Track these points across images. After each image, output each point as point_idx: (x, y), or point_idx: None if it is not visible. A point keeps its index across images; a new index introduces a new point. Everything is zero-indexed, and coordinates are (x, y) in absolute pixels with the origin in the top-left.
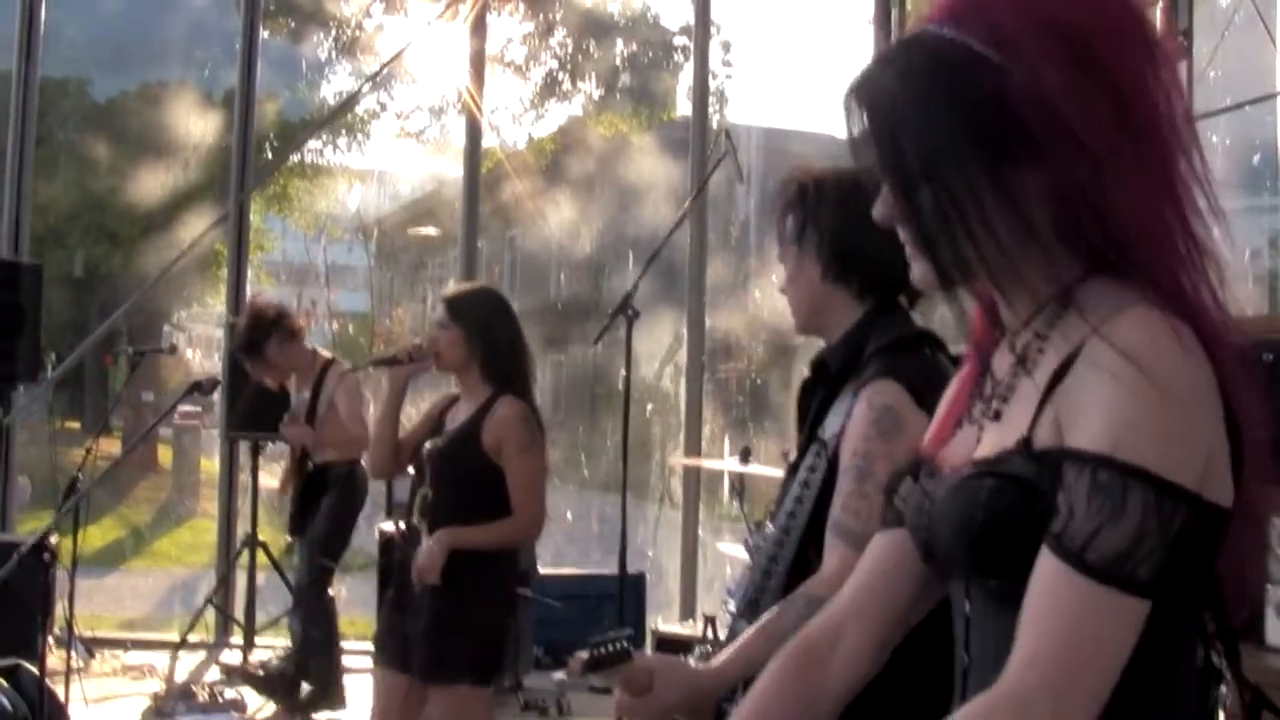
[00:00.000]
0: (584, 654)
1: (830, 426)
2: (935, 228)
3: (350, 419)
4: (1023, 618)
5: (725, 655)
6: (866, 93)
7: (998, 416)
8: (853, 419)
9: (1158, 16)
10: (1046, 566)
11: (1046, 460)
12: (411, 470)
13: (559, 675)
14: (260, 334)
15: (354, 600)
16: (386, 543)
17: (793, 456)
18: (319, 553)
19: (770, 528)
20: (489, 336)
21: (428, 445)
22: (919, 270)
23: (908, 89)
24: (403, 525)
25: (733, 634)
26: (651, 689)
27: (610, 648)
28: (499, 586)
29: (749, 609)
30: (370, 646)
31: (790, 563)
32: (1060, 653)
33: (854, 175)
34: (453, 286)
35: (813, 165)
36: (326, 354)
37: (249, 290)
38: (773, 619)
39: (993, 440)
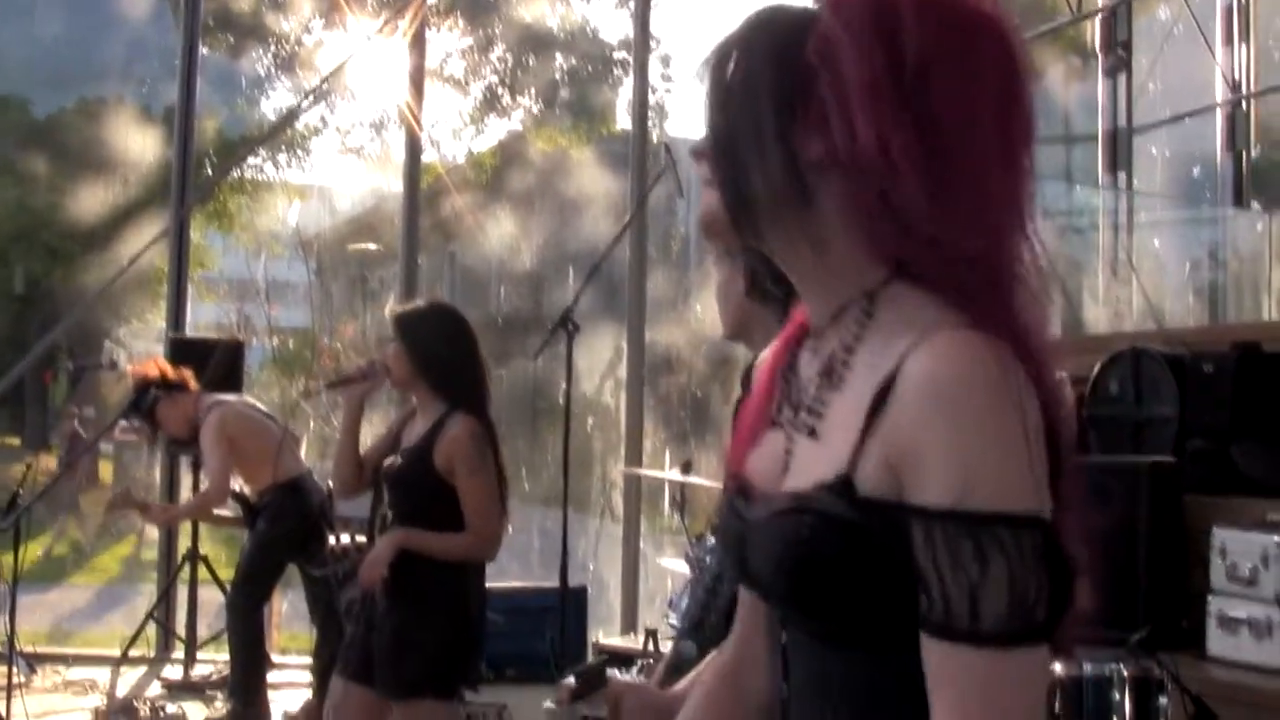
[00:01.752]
0: (570, 683)
1: None
2: (717, 154)
3: (209, 474)
4: (933, 698)
5: (691, 679)
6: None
7: (811, 433)
8: None
9: (1096, 28)
10: (941, 653)
11: (878, 509)
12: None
13: (548, 705)
14: (144, 398)
15: (295, 615)
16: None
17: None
18: (239, 580)
19: (711, 541)
20: (433, 352)
21: (385, 463)
22: (706, 201)
23: (749, 36)
24: (347, 539)
25: (676, 653)
26: (619, 714)
27: (590, 674)
28: (459, 601)
29: (694, 629)
30: (310, 661)
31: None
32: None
33: None
34: (402, 303)
35: None
36: (216, 397)
37: (189, 308)
38: None
39: (807, 463)
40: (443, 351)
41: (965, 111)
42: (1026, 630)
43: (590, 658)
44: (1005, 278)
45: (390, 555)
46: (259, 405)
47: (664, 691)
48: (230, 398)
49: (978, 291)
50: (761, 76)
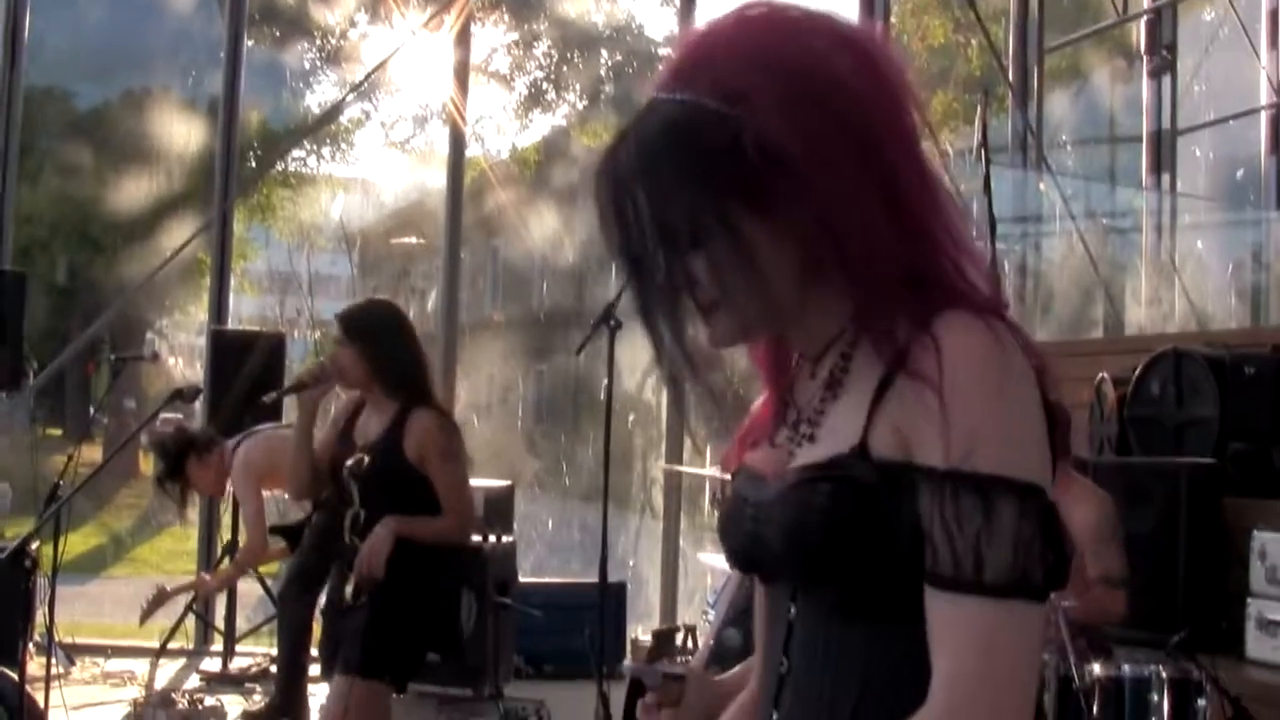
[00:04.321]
0: (647, 640)
1: None
2: (720, 289)
3: (246, 523)
4: (934, 652)
5: (742, 669)
6: (610, 171)
7: (811, 439)
8: None
9: (1141, 30)
10: (942, 602)
11: (890, 471)
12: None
13: (628, 664)
14: (176, 461)
15: None
16: None
17: None
18: (292, 572)
19: None
20: (382, 350)
21: (349, 464)
22: (718, 331)
23: (651, 158)
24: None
25: (719, 642)
26: (680, 701)
27: (664, 636)
28: (437, 591)
29: (741, 617)
30: None
31: None
32: (983, 670)
33: None
34: (349, 305)
35: None
36: (234, 441)
37: (231, 301)
38: None
39: (815, 452)
40: (390, 348)
41: (870, 106)
42: (1025, 586)
43: (629, 654)
44: (952, 269)
45: (390, 544)
46: (278, 426)
47: (724, 678)
48: (255, 431)
49: (945, 284)
50: (702, 194)
